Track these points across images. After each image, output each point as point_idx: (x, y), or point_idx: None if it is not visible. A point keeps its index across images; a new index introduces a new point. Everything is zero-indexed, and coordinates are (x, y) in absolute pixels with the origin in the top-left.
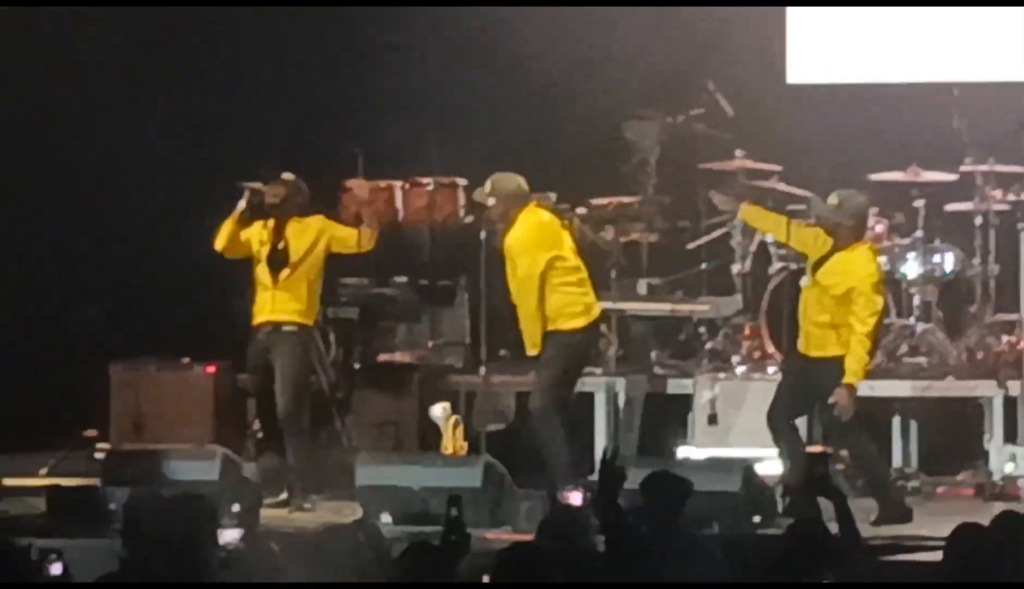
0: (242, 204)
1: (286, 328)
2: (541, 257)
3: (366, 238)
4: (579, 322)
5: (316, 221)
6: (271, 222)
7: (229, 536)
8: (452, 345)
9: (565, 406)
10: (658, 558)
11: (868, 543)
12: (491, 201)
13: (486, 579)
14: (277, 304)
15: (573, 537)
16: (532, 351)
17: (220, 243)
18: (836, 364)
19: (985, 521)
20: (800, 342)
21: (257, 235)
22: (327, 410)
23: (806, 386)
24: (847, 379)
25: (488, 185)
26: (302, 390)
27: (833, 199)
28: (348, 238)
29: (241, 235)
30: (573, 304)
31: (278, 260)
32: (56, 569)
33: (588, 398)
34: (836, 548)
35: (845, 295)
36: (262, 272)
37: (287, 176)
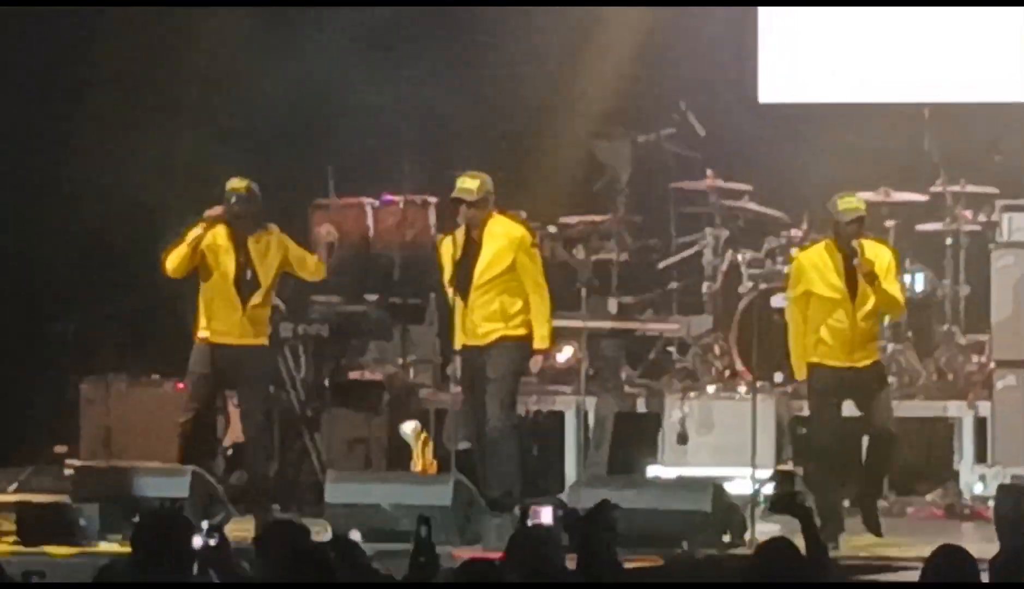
0: (198, 231)
1: (253, 350)
2: (511, 254)
3: (319, 268)
4: (525, 330)
5: (275, 238)
6: (229, 233)
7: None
8: (422, 363)
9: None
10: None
11: (839, 562)
12: (476, 197)
13: None
14: (246, 328)
15: (543, 555)
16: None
17: (172, 267)
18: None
19: (955, 541)
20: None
21: (212, 239)
22: (296, 427)
23: None
24: None
25: (477, 180)
26: (269, 407)
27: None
28: (306, 262)
29: (193, 242)
30: (523, 312)
31: (248, 285)
32: None
33: (558, 417)
34: (805, 566)
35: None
36: (226, 291)
37: (241, 182)
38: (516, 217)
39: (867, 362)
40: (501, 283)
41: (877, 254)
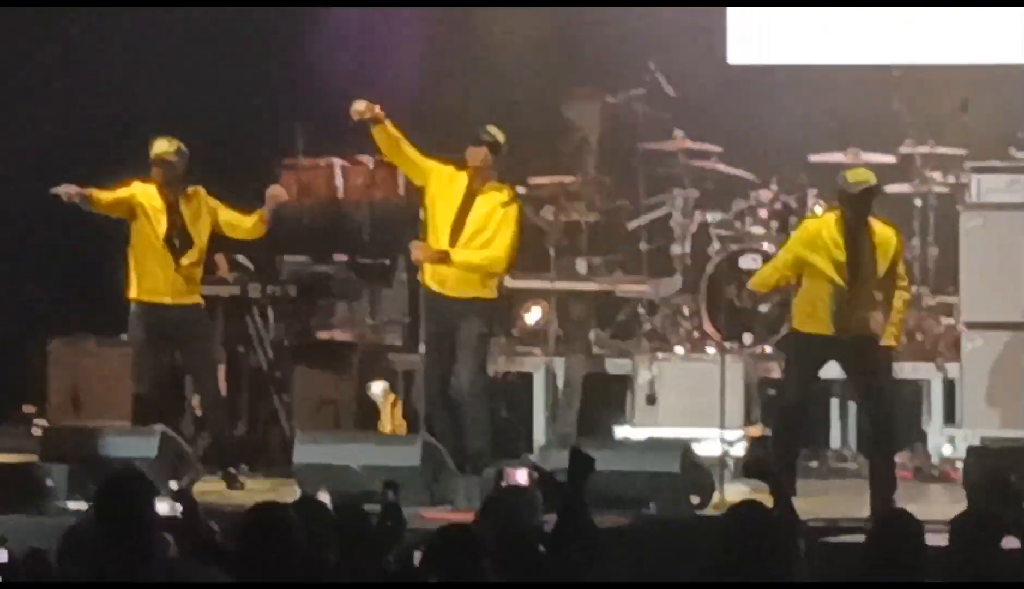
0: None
1: (189, 310)
2: (499, 222)
3: (258, 226)
4: (496, 293)
5: (204, 200)
6: (160, 194)
7: (166, 508)
8: (391, 323)
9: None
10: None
11: (807, 524)
12: (501, 150)
13: (418, 555)
14: (179, 286)
15: (518, 517)
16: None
17: (104, 200)
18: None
19: (924, 503)
20: None
21: (144, 200)
22: (265, 388)
23: None
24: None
25: (503, 134)
26: (216, 368)
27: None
28: (238, 223)
29: (124, 194)
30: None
31: (181, 244)
32: (1, 556)
33: (527, 378)
34: (774, 529)
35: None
36: (158, 250)
37: (170, 144)
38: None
39: (859, 334)
40: (485, 244)
41: (886, 237)
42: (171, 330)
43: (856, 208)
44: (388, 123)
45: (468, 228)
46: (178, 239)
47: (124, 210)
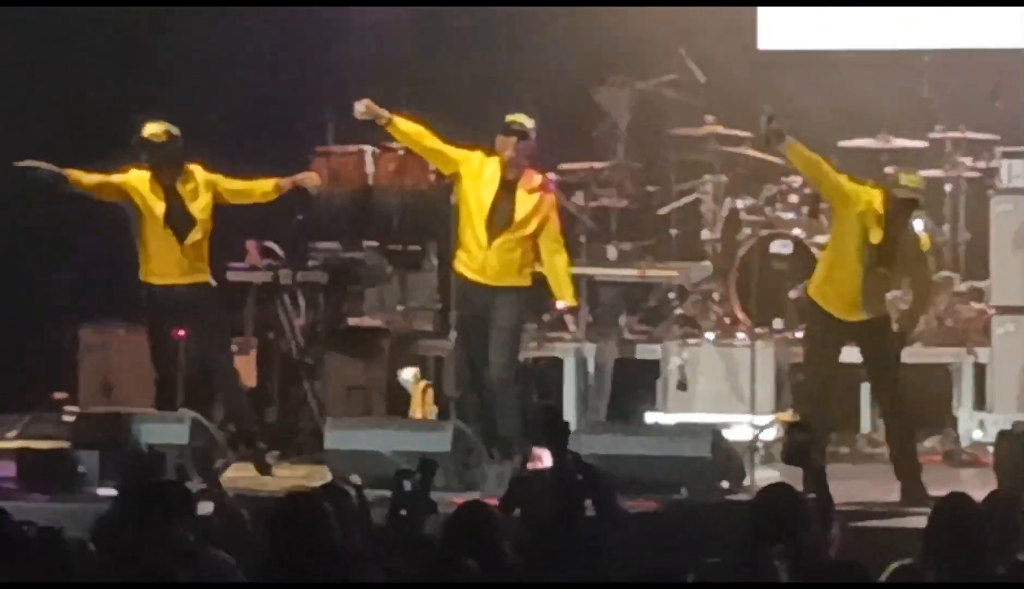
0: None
1: (196, 288)
2: (543, 214)
3: (269, 190)
4: (530, 281)
5: (200, 174)
6: (153, 178)
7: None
8: (422, 310)
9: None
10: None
11: (838, 509)
12: (532, 136)
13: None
14: (184, 266)
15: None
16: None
17: (89, 182)
18: None
19: (954, 487)
20: None
21: (138, 184)
22: (296, 374)
23: None
24: None
25: (534, 121)
26: (229, 350)
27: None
28: (248, 190)
29: (116, 179)
30: (532, 262)
31: (182, 222)
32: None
33: (557, 364)
34: (803, 512)
35: None
36: (159, 231)
37: (158, 127)
38: (544, 171)
39: (871, 316)
40: (529, 238)
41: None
42: (181, 310)
43: (895, 211)
44: (399, 120)
45: (517, 216)
46: (178, 220)
47: (114, 193)
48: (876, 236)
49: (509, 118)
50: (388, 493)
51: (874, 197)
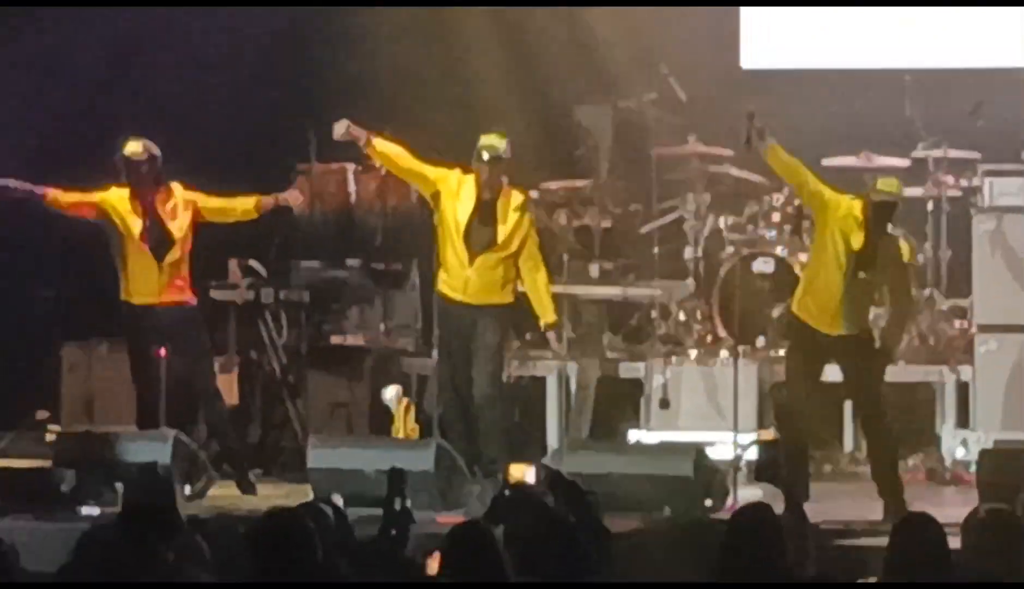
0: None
1: (183, 309)
2: (525, 232)
3: (250, 208)
4: (512, 298)
5: (180, 193)
6: (132, 196)
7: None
8: (404, 328)
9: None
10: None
11: (817, 527)
12: (506, 156)
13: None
14: (164, 285)
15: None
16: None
17: (66, 200)
18: None
19: (937, 505)
20: None
21: (117, 203)
22: (278, 393)
23: None
24: None
25: (505, 139)
26: (210, 371)
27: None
28: (230, 207)
29: (94, 198)
30: (514, 279)
31: (160, 242)
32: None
33: (540, 382)
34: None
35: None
36: (138, 251)
37: (137, 145)
38: (522, 189)
39: (853, 331)
40: (511, 257)
41: (898, 246)
42: (162, 329)
43: (874, 215)
44: (377, 141)
45: (499, 236)
46: (157, 239)
47: (92, 212)
48: (857, 241)
49: (481, 142)
50: (371, 511)
51: (854, 205)
